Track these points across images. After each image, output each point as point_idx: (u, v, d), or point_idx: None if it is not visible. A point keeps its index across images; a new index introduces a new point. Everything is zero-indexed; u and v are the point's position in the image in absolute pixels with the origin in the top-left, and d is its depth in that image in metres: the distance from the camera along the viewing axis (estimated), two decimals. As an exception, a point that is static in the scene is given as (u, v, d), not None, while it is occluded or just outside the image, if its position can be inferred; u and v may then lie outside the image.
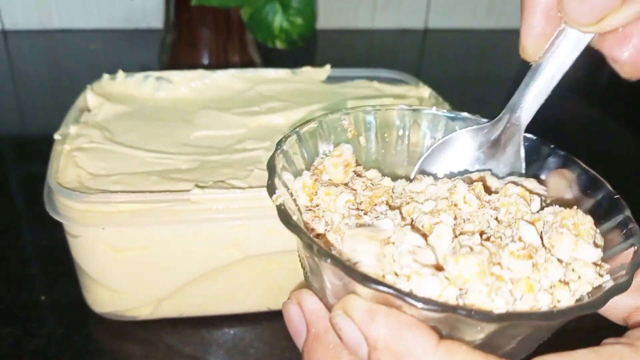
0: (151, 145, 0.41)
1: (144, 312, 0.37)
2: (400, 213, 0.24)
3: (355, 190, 0.25)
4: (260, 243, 0.35)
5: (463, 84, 0.84)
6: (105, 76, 0.48)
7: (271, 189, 0.23)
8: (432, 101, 0.48)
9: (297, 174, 0.25)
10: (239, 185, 0.36)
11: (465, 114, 0.30)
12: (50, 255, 0.44)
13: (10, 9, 0.86)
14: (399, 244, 0.21)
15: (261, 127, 0.44)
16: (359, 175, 0.26)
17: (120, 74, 0.48)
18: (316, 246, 0.20)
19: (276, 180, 0.23)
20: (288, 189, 0.24)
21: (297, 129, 0.26)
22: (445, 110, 0.30)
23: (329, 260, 0.19)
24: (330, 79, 0.53)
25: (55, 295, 0.40)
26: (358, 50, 0.95)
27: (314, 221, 0.23)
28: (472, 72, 0.91)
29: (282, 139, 0.25)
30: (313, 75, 0.53)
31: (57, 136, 0.39)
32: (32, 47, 0.86)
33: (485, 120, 0.29)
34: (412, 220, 0.23)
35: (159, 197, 0.33)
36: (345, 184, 0.25)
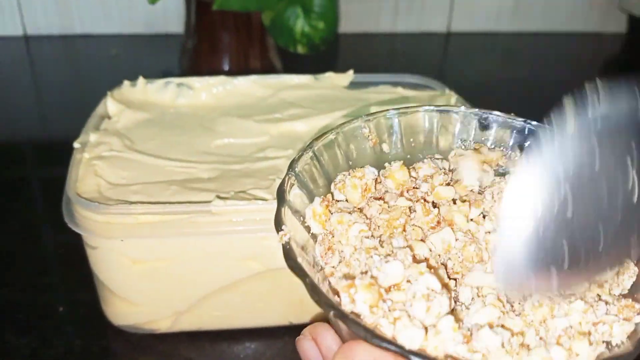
0: (172, 154, 0.40)
1: (163, 325, 0.36)
2: (411, 248, 0.22)
3: (369, 219, 0.23)
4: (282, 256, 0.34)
5: (487, 88, 0.82)
6: (126, 83, 0.48)
7: (278, 223, 0.21)
8: (459, 108, 0.47)
9: (311, 195, 0.24)
10: (261, 196, 0.35)
11: (497, 113, 0.28)
12: (69, 264, 0.43)
13: (32, 14, 0.86)
14: (413, 283, 0.19)
15: (283, 135, 0.43)
16: (377, 199, 0.24)
17: (141, 80, 0.48)
18: (320, 296, 0.19)
19: (284, 210, 0.21)
20: (300, 214, 0.23)
21: (312, 144, 0.25)
22: (476, 110, 0.27)
23: (331, 313, 0.18)
24: (353, 85, 0.51)
25: (73, 305, 0.40)
26: (380, 54, 0.94)
27: (327, 254, 0.22)
28: (496, 76, 0.89)
29: (294, 158, 0.24)
30: (336, 81, 0.51)
31: (76, 145, 0.38)
32: (53, 52, 0.86)
33: (520, 119, 0.27)
34: (427, 260, 0.22)
35: (179, 208, 0.32)
36: (360, 209, 0.24)
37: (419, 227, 0.23)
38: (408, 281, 0.20)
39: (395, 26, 0.97)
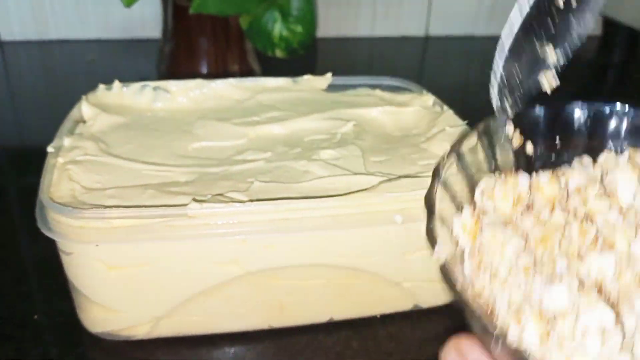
0: (148, 157, 0.39)
1: (141, 331, 0.36)
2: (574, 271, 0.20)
3: (525, 235, 0.21)
4: (261, 259, 0.34)
5: (464, 91, 0.83)
6: (101, 86, 0.47)
7: (432, 239, 0.19)
8: (436, 109, 0.47)
9: (457, 203, 0.22)
10: (239, 199, 0.34)
11: None
12: (46, 272, 0.43)
13: (6, 20, 0.85)
14: (582, 314, 0.17)
15: (261, 138, 0.43)
16: (527, 208, 0.23)
17: (117, 84, 0.47)
18: (487, 326, 0.17)
19: (435, 222, 0.19)
20: (446, 225, 0.21)
21: (456, 148, 0.22)
22: (631, 108, 0.25)
23: (499, 344, 0.16)
24: (331, 87, 0.51)
25: (50, 313, 0.39)
26: (358, 58, 0.94)
27: (477, 273, 0.20)
28: (473, 79, 0.90)
29: (439, 164, 0.22)
30: (314, 84, 0.51)
31: (50, 149, 0.38)
32: (29, 58, 0.85)
33: None
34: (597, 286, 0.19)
35: (155, 212, 0.31)
36: (510, 222, 0.22)
37: (575, 246, 0.21)
38: (574, 310, 0.18)
39: (373, 30, 0.98)
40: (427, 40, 0.99)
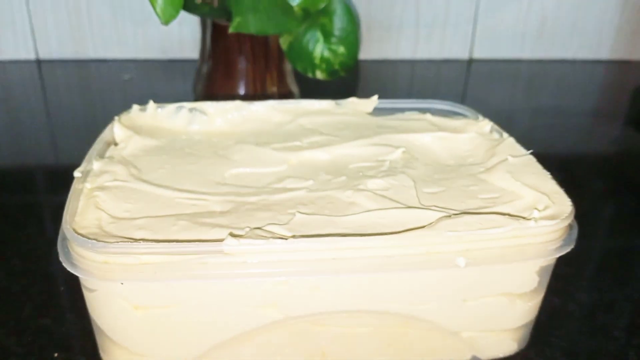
0: (181, 184, 0.36)
1: (167, 377, 0.32)
2: None
3: None
4: (303, 302, 0.30)
5: (510, 117, 0.79)
6: (135, 107, 0.45)
7: None
8: (494, 136, 0.43)
9: None
10: (279, 232, 0.31)
11: None
12: (70, 304, 0.40)
13: (45, 38, 0.85)
14: None
15: (303, 164, 0.40)
16: None
17: (151, 104, 0.45)
18: None
19: None
20: None
21: None
22: None
23: None
24: (377, 111, 0.48)
25: (71, 352, 0.36)
26: (400, 81, 0.91)
27: None
28: (519, 104, 0.85)
29: None
30: (359, 107, 0.48)
31: (77, 173, 0.35)
32: (66, 77, 0.84)
33: None
34: None
35: (187, 247, 0.28)
36: None
37: None
38: None
39: (415, 53, 0.94)
40: (470, 63, 0.96)
